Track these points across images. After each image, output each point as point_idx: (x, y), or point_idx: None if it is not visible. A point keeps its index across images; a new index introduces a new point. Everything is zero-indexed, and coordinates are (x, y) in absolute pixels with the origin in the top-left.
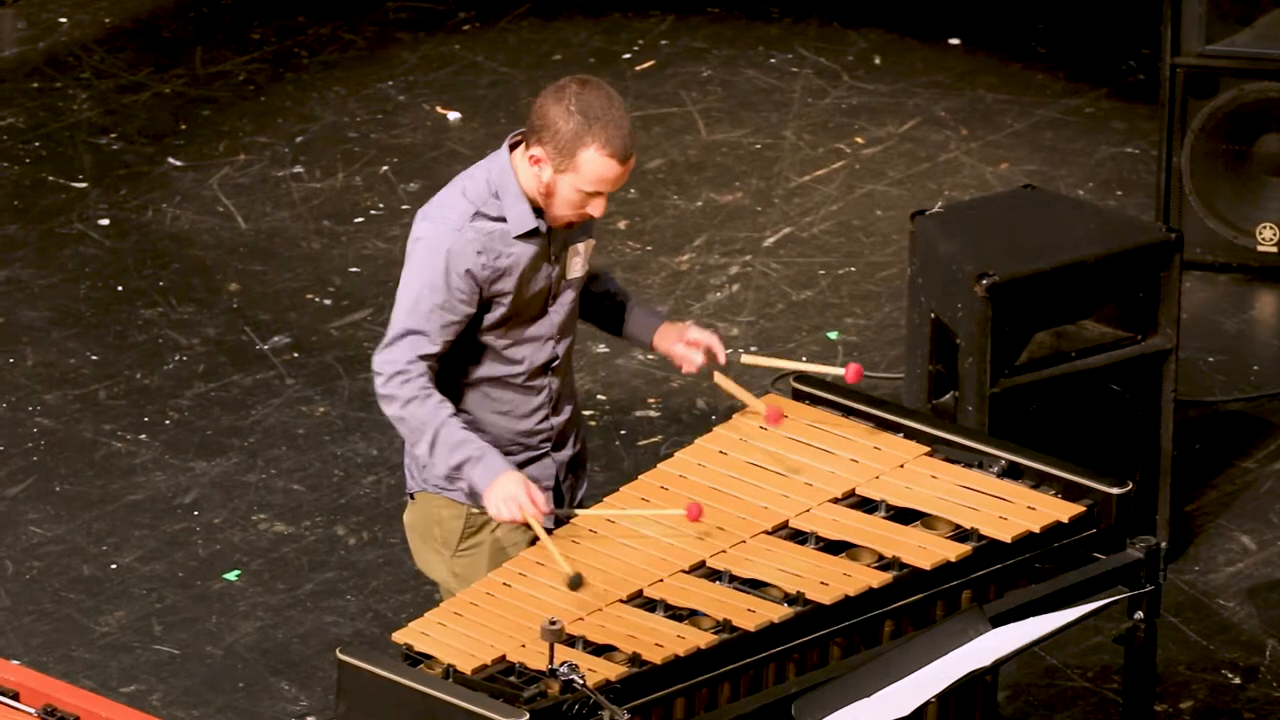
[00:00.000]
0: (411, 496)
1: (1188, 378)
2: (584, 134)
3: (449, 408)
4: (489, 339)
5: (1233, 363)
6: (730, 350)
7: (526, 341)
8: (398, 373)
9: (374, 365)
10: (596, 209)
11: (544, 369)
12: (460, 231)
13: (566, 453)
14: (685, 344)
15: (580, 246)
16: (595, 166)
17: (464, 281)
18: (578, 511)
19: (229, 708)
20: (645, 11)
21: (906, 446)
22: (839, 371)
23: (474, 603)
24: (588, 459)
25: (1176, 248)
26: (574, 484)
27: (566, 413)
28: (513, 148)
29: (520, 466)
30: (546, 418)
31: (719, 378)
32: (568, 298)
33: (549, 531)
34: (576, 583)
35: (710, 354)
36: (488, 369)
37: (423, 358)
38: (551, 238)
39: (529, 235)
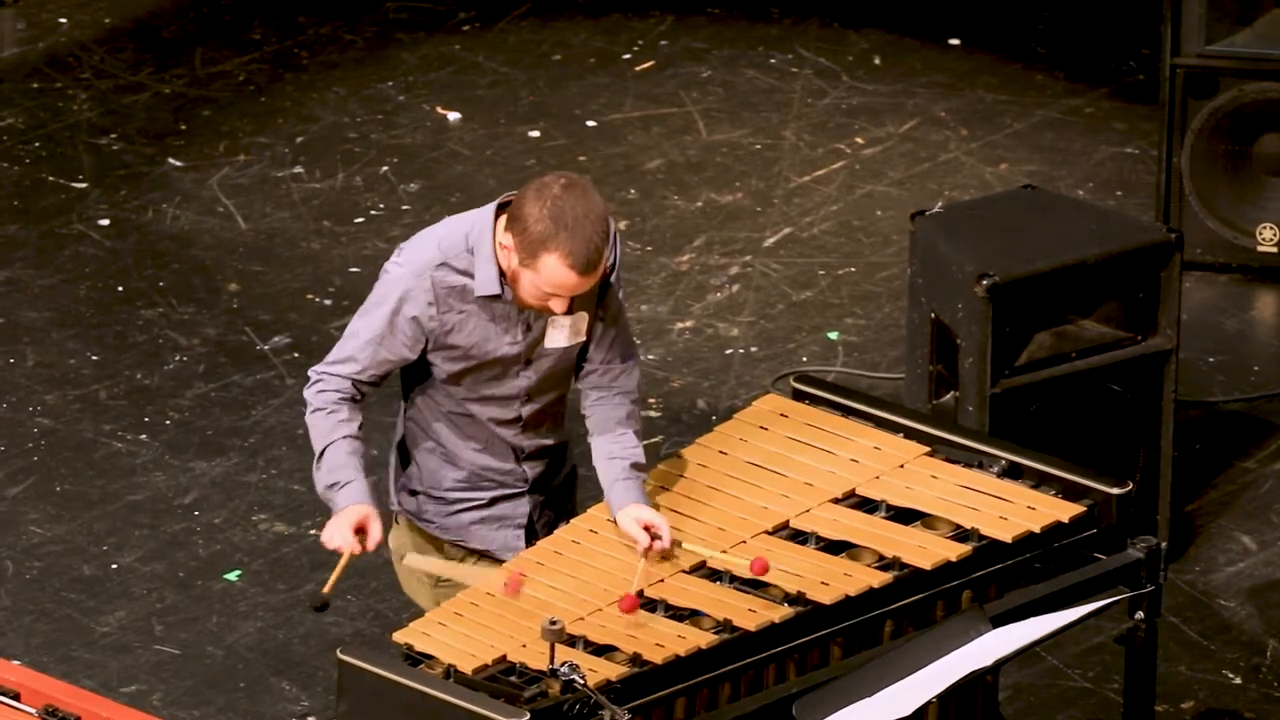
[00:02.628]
0: (396, 520)
1: (1188, 378)
2: (549, 239)
3: (348, 429)
4: (449, 388)
5: (1233, 363)
6: (730, 351)
7: (490, 400)
8: (319, 381)
9: (313, 367)
10: (557, 306)
11: (509, 424)
12: (420, 278)
13: (545, 494)
14: (642, 526)
15: (567, 319)
16: (553, 272)
17: (409, 326)
18: (410, 564)
19: (230, 708)
20: (645, 12)
21: (907, 446)
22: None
23: (474, 603)
24: (576, 496)
25: (1176, 248)
26: (550, 521)
27: (543, 463)
28: (501, 207)
29: (493, 502)
30: (518, 463)
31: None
32: (544, 365)
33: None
34: (321, 605)
35: (655, 536)
36: (454, 407)
37: (351, 379)
38: (520, 306)
39: (491, 299)
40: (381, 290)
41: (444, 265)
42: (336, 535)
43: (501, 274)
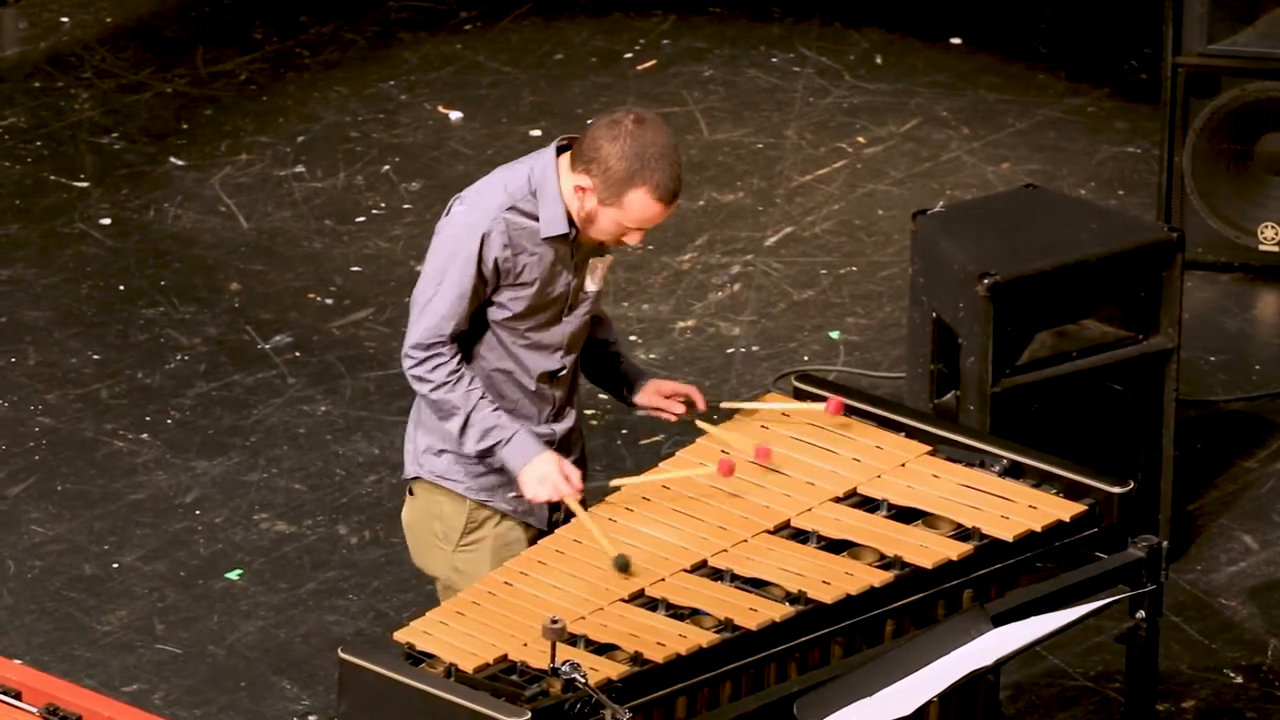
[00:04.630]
0: (411, 492)
1: (1189, 377)
2: (635, 176)
3: (479, 389)
4: (502, 334)
5: (1234, 362)
6: (732, 350)
7: (536, 347)
8: (432, 357)
9: (405, 347)
10: (633, 239)
11: (549, 377)
12: (494, 220)
13: (569, 458)
14: (664, 397)
15: (599, 262)
16: (642, 208)
17: (490, 272)
18: (612, 484)
19: (231, 707)
20: (647, 11)
21: (908, 445)
22: (818, 407)
23: (476, 601)
24: (587, 462)
25: (1178, 247)
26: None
27: (569, 420)
28: (560, 150)
29: None
30: (549, 423)
31: (701, 424)
32: (582, 310)
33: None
34: (623, 565)
35: (690, 402)
36: (498, 362)
37: (450, 337)
38: (576, 247)
39: (557, 239)
40: (454, 243)
41: (513, 209)
42: (545, 488)
43: (568, 215)
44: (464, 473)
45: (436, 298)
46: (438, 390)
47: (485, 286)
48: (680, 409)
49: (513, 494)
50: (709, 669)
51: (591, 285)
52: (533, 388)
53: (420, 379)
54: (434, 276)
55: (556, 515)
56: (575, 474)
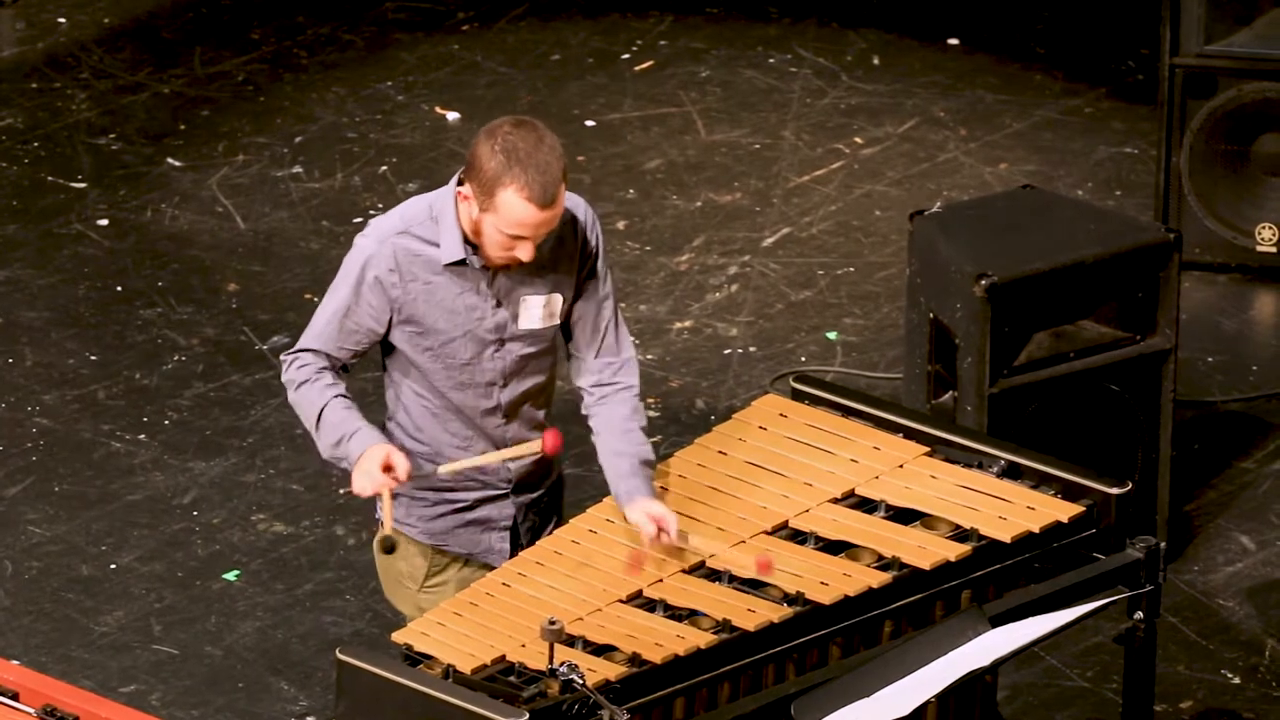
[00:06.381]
0: (380, 523)
1: (1187, 378)
2: (503, 174)
3: (338, 389)
4: (431, 378)
5: (1232, 363)
6: (729, 351)
7: (468, 387)
8: (294, 360)
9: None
10: (524, 253)
11: (491, 413)
12: (381, 244)
13: (530, 496)
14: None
15: (539, 299)
16: (513, 209)
17: (373, 295)
18: (440, 469)
19: (228, 708)
20: (644, 12)
21: (906, 447)
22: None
23: (474, 603)
24: (564, 503)
25: (1175, 248)
26: (535, 525)
27: (528, 463)
28: (461, 180)
29: (476, 504)
30: (502, 461)
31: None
32: (517, 348)
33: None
34: (389, 547)
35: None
36: (438, 399)
37: (325, 354)
38: (493, 280)
39: (459, 268)
40: (346, 265)
41: (406, 233)
42: (367, 481)
43: (466, 241)
44: (417, 517)
45: (318, 315)
46: (298, 389)
47: (371, 317)
48: (653, 533)
49: (437, 550)
50: (707, 670)
51: (529, 323)
52: (478, 424)
53: (287, 382)
54: (326, 295)
55: (420, 474)
56: (403, 466)
